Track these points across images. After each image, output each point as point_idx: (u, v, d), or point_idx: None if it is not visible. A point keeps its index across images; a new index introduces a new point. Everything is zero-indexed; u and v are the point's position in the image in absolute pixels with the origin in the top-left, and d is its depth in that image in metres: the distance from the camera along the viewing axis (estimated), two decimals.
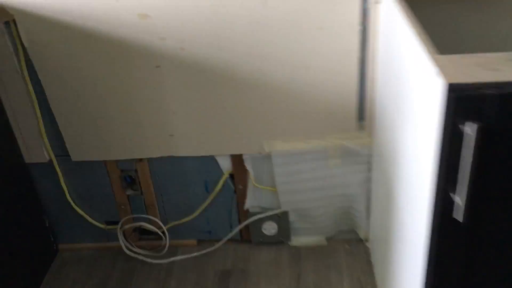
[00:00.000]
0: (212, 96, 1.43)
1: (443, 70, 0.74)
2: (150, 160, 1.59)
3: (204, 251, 1.72)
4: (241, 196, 1.65)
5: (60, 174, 1.63)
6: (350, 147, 1.49)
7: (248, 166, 1.57)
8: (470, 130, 0.71)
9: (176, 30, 1.32)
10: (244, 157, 1.55)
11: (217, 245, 1.73)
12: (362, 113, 1.45)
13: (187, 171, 1.61)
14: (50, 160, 1.60)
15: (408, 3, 1.08)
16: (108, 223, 1.75)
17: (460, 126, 0.73)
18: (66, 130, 1.53)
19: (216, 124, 1.49)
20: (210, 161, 1.59)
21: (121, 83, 1.43)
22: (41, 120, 1.52)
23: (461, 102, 0.72)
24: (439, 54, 0.81)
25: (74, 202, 1.68)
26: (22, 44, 1.37)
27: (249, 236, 1.73)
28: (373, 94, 1.41)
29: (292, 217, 1.67)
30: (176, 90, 1.43)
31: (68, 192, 1.67)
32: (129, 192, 1.66)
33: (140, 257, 1.71)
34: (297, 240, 1.73)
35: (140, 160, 1.59)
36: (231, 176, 1.63)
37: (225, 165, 1.60)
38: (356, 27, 1.28)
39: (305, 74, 1.38)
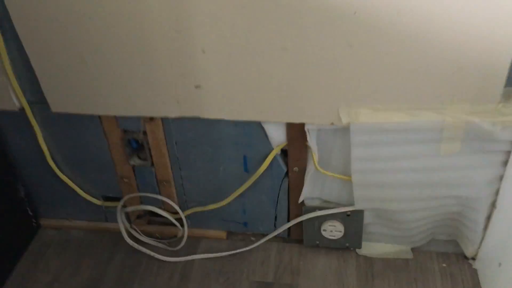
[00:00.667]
0: (267, 31, 0.87)
1: None
2: (165, 120, 1.07)
3: (236, 251, 1.22)
4: (296, 182, 1.12)
5: (37, 129, 1.12)
6: (482, 126, 0.92)
7: (312, 141, 1.02)
8: None
9: None
10: (306, 127, 1.01)
11: (256, 243, 1.22)
12: None
13: (218, 141, 1.08)
14: (23, 109, 1.09)
15: None
16: (106, 199, 1.26)
17: None
18: (41, 69, 1.00)
19: (269, 74, 0.93)
20: (254, 129, 1.05)
21: (127, 4, 0.88)
22: (6, 53, 1.00)
23: None
24: None
25: (58, 168, 1.19)
26: None
27: (300, 234, 1.21)
28: None
29: (368, 219, 1.13)
30: (210, 17, 0.87)
31: (50, 154, 1.17)
32: (135, 161, 1.15)
33: (147, 251, 1.23)
34: (370, 248, 1.20)
35: (151, 119, 1.07)
36: (284, 153, 1.10)
37: (277, 136, 1.05)
38: None
39: (433, 5, 0.79)
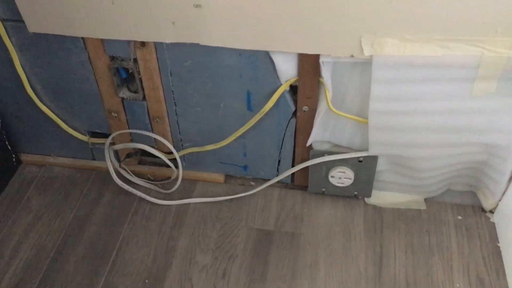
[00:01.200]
0: None
1: None
2: (159, 45, 0.93)
3: (234, 196, 1.12)
4: (304, 123, 1.00)
5: (13, 53, 0.99)
6: None
7: (326, 76, 0.90)
8: None
9: None
10: (321, 60, 0.88)
11: (256, 188, 1.12)
12: None
13: (219, 73, 0.95)
14: None
15: None
16: (93, 134, 1.15)
17: None
18: None
19: None
20: (260, 61, 0.91)
21: None
22: None
23: None
24: None
25: (39, 98, 1.07)
26: None
27: (305, 181, 1.11)
28: None
29: (382, 166, 1.03)
30: None
31: (29, 82, 1.04)
32: (124, 93, 1.03)
33: (138, 193, 1.13)
34: (380, 198, 1.11)
35: (143, 44, 0.93)
36: (293, 89, 0.97)
37: (286, 70, 0.92)
38: None
39: None
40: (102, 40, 0.93)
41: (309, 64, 0.90)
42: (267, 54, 0.90)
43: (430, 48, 0.81)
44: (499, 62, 0.80)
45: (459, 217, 1.08)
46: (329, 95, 0.92)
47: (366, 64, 0.86)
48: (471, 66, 0.82)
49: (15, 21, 0.93)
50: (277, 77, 0.94)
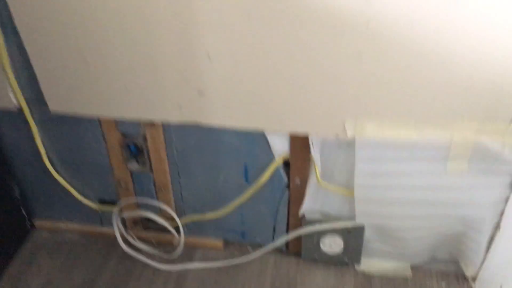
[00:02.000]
0: (274, 37, 0.85)
1: None
2: (166, 125, 1.04)
3: (233, 261, 1.20)
4: (297, 194, 1.09)
5: (34, 128, 1.10)
6: (490, 146, 0.90)
7: (315, 153, 1.00)
8: None
9: None
10: (310, 139, 0.98)
11: (253, 254, 1.20)
12: None
13: (219, 149, 1.06)
14: (20, 108, 1.06)
15: None
16: (102, 202, 1.24)
17: None
18: (41, 67, 0.98)
19: (274, 83, 0.91)
20: (256, 139, 1.02)
21: (131, 5, 0.85)
22: (4, 49, 0.97)
23: None
24: None
25: (54, 168, 1.17)
26: None
27: (299, 248, 1.19)
28: None
29: (369, 235, 1.11)
30: (216, 22, 0.85)
31: (47, 154, 1.15)
32: (133, 166, 1.13)
33: (142, 258, 1.20)
34: (369, 264, 1.18)
35: (152, 123, 1.04)
36: (286, 164, 1.07)
37: (279, 147, 1.03)
38: None
39: (446, 19, 0.77)
40: (115, 120, 1.05)
41: (300, 142, 1.00)
42: (262, 133, 1.01)
43: (405, 131, 0.92)
44: (467, 145, 0.90)
45: (443, 284, 1.14)
46: (319, 170, 1.02)
47: (351, 144, 0.97)
48: (444, 148, 0.92)
49: (39, 102, 1.05)
50: (272, 153, 1.04)
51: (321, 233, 1.12)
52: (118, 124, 1.06)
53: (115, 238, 1.20)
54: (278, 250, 1.23)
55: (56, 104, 1.03)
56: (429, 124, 0.91)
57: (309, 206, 1.09)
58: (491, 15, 0.77)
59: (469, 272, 1.12)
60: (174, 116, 1.00)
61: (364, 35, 0.81)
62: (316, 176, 1.03)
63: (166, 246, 1.24)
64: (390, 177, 0.98)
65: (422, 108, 0.89)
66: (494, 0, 0.75)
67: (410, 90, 0.87)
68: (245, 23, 0.84)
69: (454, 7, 0.76)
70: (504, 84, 0.82)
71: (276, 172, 1.07)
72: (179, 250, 1.20)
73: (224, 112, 0.97)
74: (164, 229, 1.20)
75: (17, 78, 1.02)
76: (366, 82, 0.87)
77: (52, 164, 1.16)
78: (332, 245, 1.13)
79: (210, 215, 1.17)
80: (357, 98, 0.90)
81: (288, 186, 1.09)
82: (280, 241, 1.17)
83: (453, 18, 0.78)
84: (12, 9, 0.91)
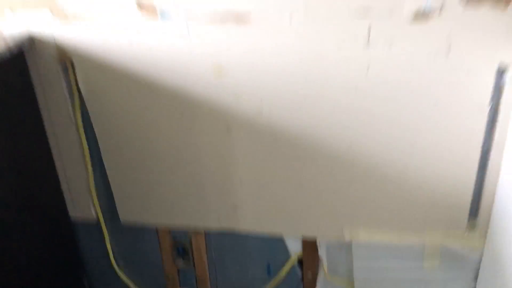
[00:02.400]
0: (289, 168, 1.19)
1: None
2: (207, 233, 1.36)
3: None
4: (309, 286, 1.37)
5: (106, 234, 1.43)
6: (453, 249, 1.18)
7: (322, 253, 1.30)
8: None
9: (254, 89, 1.10)
10: (318, 242, 1.29)
11: None
12: (476, 208, 1.14)
13: (248, 249, 1.37)
14: (97, 218, 1.41)
15: None
16: None
17: None
18: (117, 187, 1.33)
19: (289, 200, 1.24)
20: (276, 242, 1.33)
21: (184, 143, 1.22)
22: (92, 174, 1.33)
23: None
24: None
25: (118, 266, 1.48)
26: (79, 90, 1.20)
27: None
28: (493, 187, 1.10)
29: None
30: (247, 157, 1.20)
31: (113, 256, 1.46)
32: (180, 264, 1.44)
33: None
34: None
35: (196, 232, 1.37)
36: (300, 261, 1.37)
37: (294, 248, 1.33)
38: (485, 106, 1.00)
39: (409, 155, 1.10)
40: (169, 228, 1.38)
41: (310, 244, 1.31)
42: (281, 237, 1.32)
43: (390, 236, 1.22)
44: (437, 247, 1.19)
45: None
46: (325, 266, 1.31)
47: (349, 245, 1.26)
48: (420, 249, 1.21)
49: (110, 212, 1.39)
50: (289, 252, 1.34)
51: None
52: (171, 232, 1.38)
53: None
54: None
55: (126, 216, 1.37)
56: (406, 231, 1.21)
57: None
58: (445, 153, 1.10)
59: None
60: (214, 225, 1.32)
61: (351, 169, 1.15)
62: (324, 271, 1.32)
63: None
64: (381, 272, 1.27)
65: (400, 220, 1.20)
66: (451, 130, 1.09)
67: (389, 206, 1.19)
68: (267, 160, 1.19)
69: (412, 146, 1.10)
70: (456, 202, 1.14)
71: (292, 268, 1.36)
72: None
73: (252, 221, 1.30)
74: None
75: (98, 197, 1.37)
76: (357, 200, 1.19)
77: (116, 261, 1.47)
78: None
79: None
80: (351, 211, 1.22)
81: (302, 279, 1.38)
82: None
83: (415, 154, 1.11)
84: (100, 145, 1.28)
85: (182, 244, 1.40)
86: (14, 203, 1.21)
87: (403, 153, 1.11)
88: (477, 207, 1.14)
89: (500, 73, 0.96)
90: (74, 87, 1.20)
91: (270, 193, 1.24)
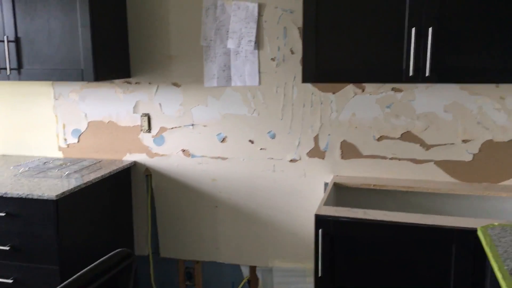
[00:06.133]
0: (243, 223, 2.57)
1: None
2: (203, 262, 2.69)
3: None
4: None
5: (152, 266, 2.76)
6: None
7: (259, 275, 2.60)
8: None
9: (229, 188, 2.56)
10: (256, 268, 2.60)
11: None
12: None
13: (223, 274, 2.67)
14: (148, 255, 2.75)
15: None
16: None
17: None
18: (162, 235, 2.71)
19: (244, 243, 2.59)
20: (236, 268, 2.63)
21: (202, 213, 2.64)
22: (150, 227, 2.73)
23: None
24: None
25: (155, 285, 2.78)
26: (151, 187, 2.67)
27: None
28: None
29: None
30: (225, 219, 2.59)
31: (153, 280, 2.77)
32: (188, 283, 2.73)
33: None
34: None
35: (197, 261, 2.70)
36: (248, 280, 2.65)
37: (245, 272, 2.63)
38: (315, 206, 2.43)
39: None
40: (184, 260, 2.72)
41: (253, 269, 2.62)
42: (239, 265, 2.64)
43: (290, 265, 2.54)
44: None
45: None
46: (261, 283, 2.61)
47: (271, 269, 2.58)
48: (303, 271, 2.52)
49: (154, 251, 2.74)
50: (242, 274, 2.65)
51: None
52: (185, 262, 2.72)
53: None
54: None
55: (164, 253, 2.72)
56: (296, 262, 2.53)
57: None
58: None
59: None
60: (206, 257, 2.65)
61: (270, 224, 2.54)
62: (260, 286, 2.61)
63: None
64: (289, 284, 2.55)
65: (294, 253, 2.54)
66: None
67: (287, 252, 2.53)
68: (236, 220, 2.59)
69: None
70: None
71: (244, 285, 2.65)
72: None
73: (226, 255, 2.63)
74: None
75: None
76: (273, 245, 2.55)
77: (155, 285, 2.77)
78: None
79: None
80: (270, 250, 2.56)
81: None
82: None
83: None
84: (157, 214, 2.69)
85: (189, 269, 2.71)
86: (107, 240, 2.61)
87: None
88: None
89: (325, 184, 2.41)
90: (149, 185, 2.68)
91: (236, 238, 2.60)
